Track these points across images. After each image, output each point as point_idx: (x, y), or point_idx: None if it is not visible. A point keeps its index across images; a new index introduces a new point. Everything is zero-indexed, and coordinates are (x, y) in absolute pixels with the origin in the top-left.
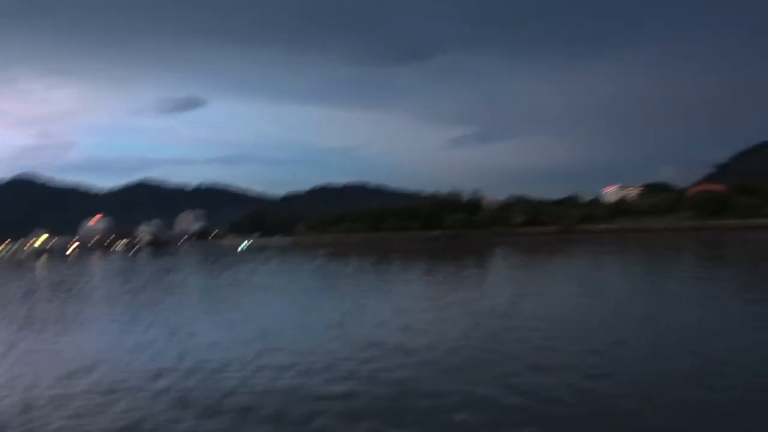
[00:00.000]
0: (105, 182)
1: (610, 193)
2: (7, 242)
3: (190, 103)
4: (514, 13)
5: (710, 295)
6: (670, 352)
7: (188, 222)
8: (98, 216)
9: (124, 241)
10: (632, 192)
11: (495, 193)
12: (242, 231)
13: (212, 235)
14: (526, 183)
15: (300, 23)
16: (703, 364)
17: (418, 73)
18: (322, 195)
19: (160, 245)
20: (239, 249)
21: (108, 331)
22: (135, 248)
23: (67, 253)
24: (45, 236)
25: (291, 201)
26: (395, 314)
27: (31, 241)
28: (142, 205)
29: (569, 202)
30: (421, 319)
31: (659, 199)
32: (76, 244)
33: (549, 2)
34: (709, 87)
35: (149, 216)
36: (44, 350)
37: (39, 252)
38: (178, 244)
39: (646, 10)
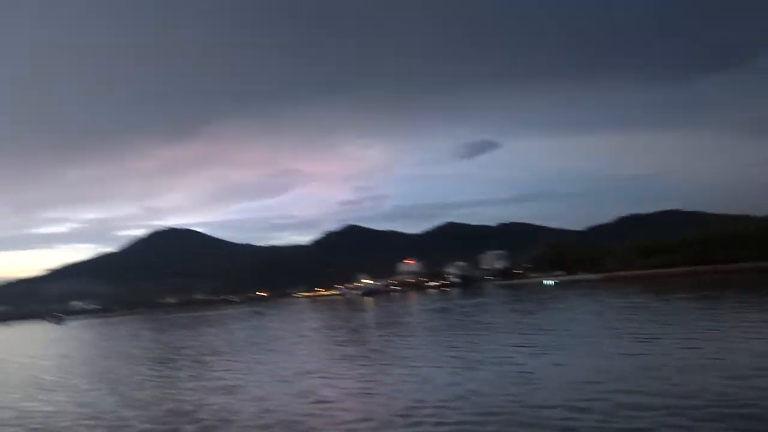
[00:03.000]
0: (414, 228)
1: None
2: (342, 285)
3: (485, 147)
4: None
5: None
6: None
7: (491, 261)
8: (411, 260)
9: (435, 281)
10: None
11: None
12: (545, 268)
13: (515, 273)
14: None
15: (584, 52)
16: None
17: (726, 83)
18: (630, 225)
19: (467, 284)
20: (544, 286)
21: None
22: (445, 287)
23: (388, 293)
24: (369, 280)
25: (595, 234)
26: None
27: (358, 283)
28: (449, 246)
29: None
30: None
31: None
32: (395, 284)
33: None
34: None
35: (456, 256)
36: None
37: (366, 293)
38: (483, 282)
39: None
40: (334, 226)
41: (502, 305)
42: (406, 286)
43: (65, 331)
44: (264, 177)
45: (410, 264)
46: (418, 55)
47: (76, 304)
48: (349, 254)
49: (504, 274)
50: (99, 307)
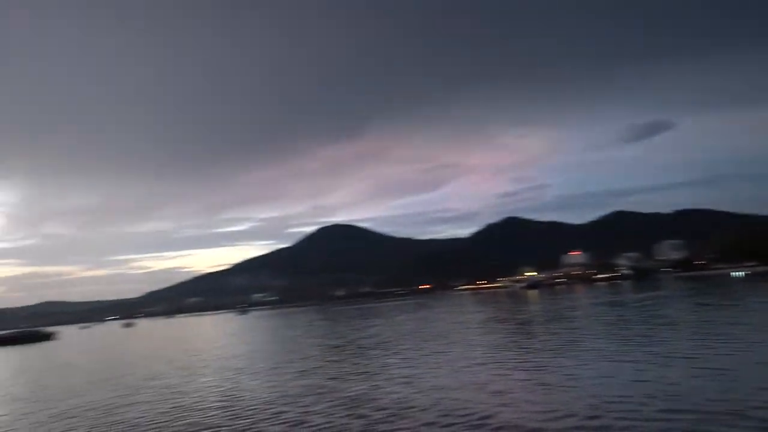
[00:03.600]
0: (578, 218)
1: None
2: (505, 278)
3: (657, 128)
4: None
5: None
6: None
7: (667, 251)
8: (576, 251)
9: (604, 273)
10: None
11: None
12: (733, 257)
13: (696, 264)
14: None
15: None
16: None
17: None
18: None
19: (640, 276)
20: (732, 278)
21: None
22: (616, 279)
23: (553, 285)
24: (532, 272)
25: None
26: None
27: (521, 276)
28: (618, 237)
29: None
30: None
31: None
32: (560, 277)
33: None
34: None
35: (626, 247)
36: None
37: (530, 285)
38: (659, 274)
39: None
40: (493, 218)
41: (684, 298)
42: (572, 279)
43: (248, 321)
44: (422, 172)
45: (576, 256)
46: (575, 34)
47: (257, 296)
48: (509, 246)
49: (683, 265)
50: (276, 298)
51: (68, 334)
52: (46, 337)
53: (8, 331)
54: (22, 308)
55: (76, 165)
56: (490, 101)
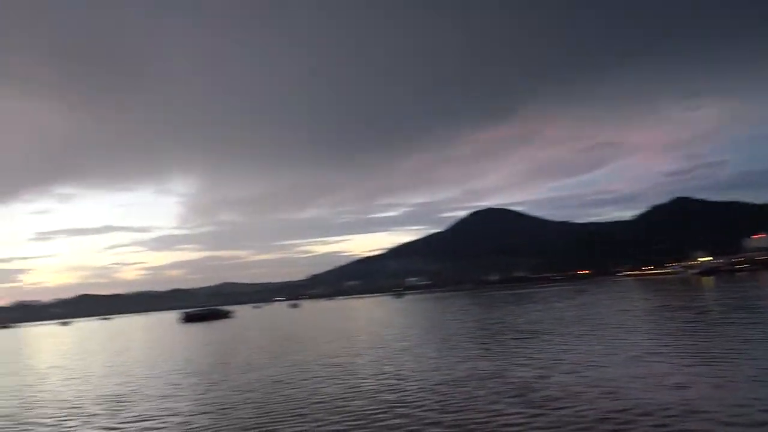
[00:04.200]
0: (763, 197)
1: None
2: (674, 263)
3: None
4: None
5: None
6: None
7: None
8: (761, 234)
9: None
10: None
11: None
12: None
13: None
14: None
15: None
16: None
17: None
18: None
19: None
20: None
21: None
22: None
23: (732, 272)
24: (706, 257)
25: None
26: None
27: (693, 261)
28: None
29: None
30: None
31: None
32: (740, 262)
33: None
34: None
35: None
36: None
37: (704, 271)
38: None
39: None
40: (660, 199)
41: None
42: (755, 265)
43: (404, 304)
44: (580, 152)
45: (760, 239)
46: None
47: (411, 280)
48: (678, 229)
49: None
50: (430, 282)
51: (243, 312)
52: (225, 315)
53: (195, 309)
54: (204, 288)
55: (246, 157)
56: (655, 72)
